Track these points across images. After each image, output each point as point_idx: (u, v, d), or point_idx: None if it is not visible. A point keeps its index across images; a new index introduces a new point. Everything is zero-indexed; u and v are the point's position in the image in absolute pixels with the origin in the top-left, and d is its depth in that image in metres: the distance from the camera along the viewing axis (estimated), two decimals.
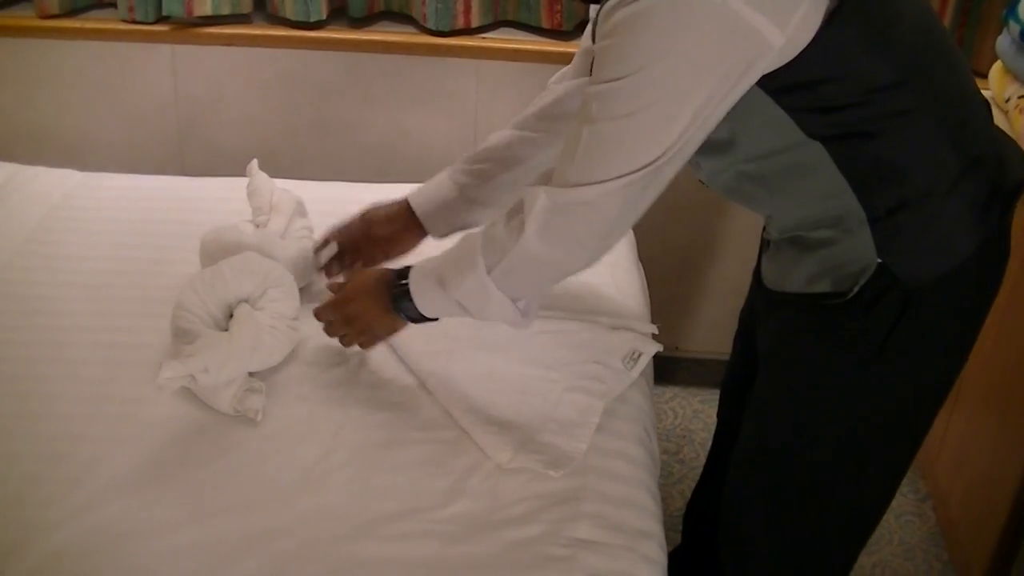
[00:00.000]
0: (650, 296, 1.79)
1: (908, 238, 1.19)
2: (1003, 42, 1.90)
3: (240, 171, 1.77)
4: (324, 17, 2.17)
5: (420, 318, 1.37)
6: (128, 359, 1.52)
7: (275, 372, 1.49)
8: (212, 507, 1.29)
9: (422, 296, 1.34)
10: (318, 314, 1.47)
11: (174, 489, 1.32)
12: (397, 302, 1.36)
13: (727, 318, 1.66)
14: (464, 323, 1.36)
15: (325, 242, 1.64)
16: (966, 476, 2.02)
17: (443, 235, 1.58)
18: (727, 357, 1.68)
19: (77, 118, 2.33)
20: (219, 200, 1.89)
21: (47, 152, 2.30)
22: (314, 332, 1.52)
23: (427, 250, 1.58)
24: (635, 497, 1.34)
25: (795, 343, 1.32)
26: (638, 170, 1.11)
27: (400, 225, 1.59)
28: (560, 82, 1.53)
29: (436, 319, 1.37)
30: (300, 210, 1.72)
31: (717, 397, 1.73)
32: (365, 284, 1.42)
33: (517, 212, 1.22)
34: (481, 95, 2.25)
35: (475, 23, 2.18)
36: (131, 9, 2.17)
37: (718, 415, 1.74)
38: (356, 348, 1.48)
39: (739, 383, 1.56)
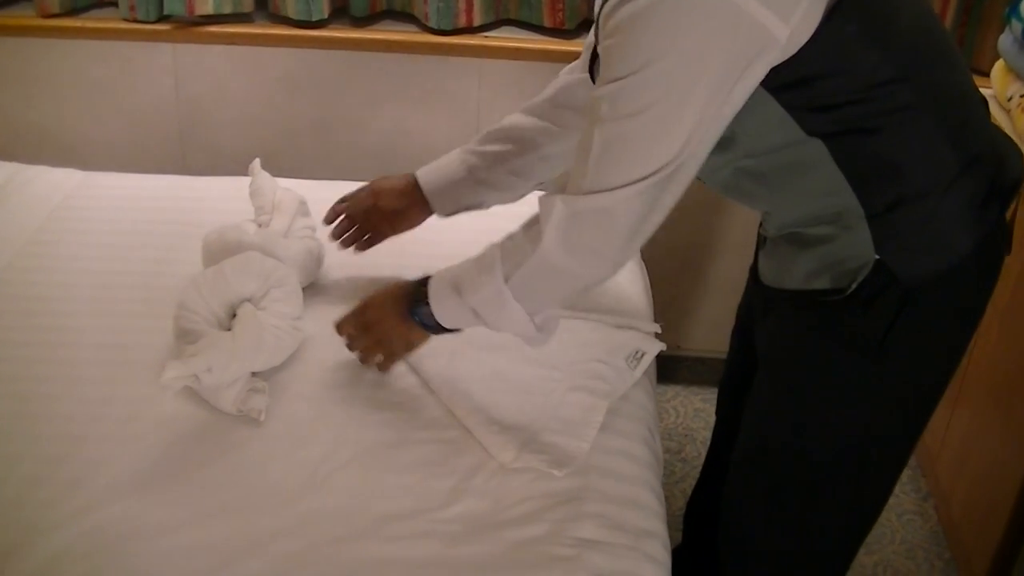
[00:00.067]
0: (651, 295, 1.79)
1: (906, 235, 1.19)
2: (1005, 41, 1.91)
3: (242, 170, 1.77)
4: (326, 16, 2.17)
5: (436, 327, 1.36)
6: (130, 359, 1.52)
7: (278, 372, 1.49)
8: (214, 508, 1.29)
9: (439, 302, 1.33)
10: (339, 327, 1.47)
11: (176, 490, 1.31)
12: (414, 307, 1.36)
13: (728, 317, 1.65)
14: None
15: (335, 215, 1.66)
16: (968, 475, 2.02)
17: (449, 214, 1.59)
18: None
19: (78, 118, 2.32)
20: (221, 200, 1.88)
21: (48, 152, 2.29)
22: (317, 332, 1.52)
23: (431, 223, 1.63)
24: (639, 496, 1.34)
25: (794, 342, 1.32)
26: (652, 174, 1.11)
27: (407, 200, 1.60)
28: (571, 73, 1.53)
29: (452, 330, 1.37)
30: (303, 209, 1.72)
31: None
32: (384, 292, 1.43)
33: (535, 222, 1.22)
34: (483, 94, 2.24)
35: (477, 22, 2.17)
36: (132, 8, 2.17)
37: (717, 412, 1.74)
38: (374, 368, 1.48)
39: (737, 380, 1.57)
